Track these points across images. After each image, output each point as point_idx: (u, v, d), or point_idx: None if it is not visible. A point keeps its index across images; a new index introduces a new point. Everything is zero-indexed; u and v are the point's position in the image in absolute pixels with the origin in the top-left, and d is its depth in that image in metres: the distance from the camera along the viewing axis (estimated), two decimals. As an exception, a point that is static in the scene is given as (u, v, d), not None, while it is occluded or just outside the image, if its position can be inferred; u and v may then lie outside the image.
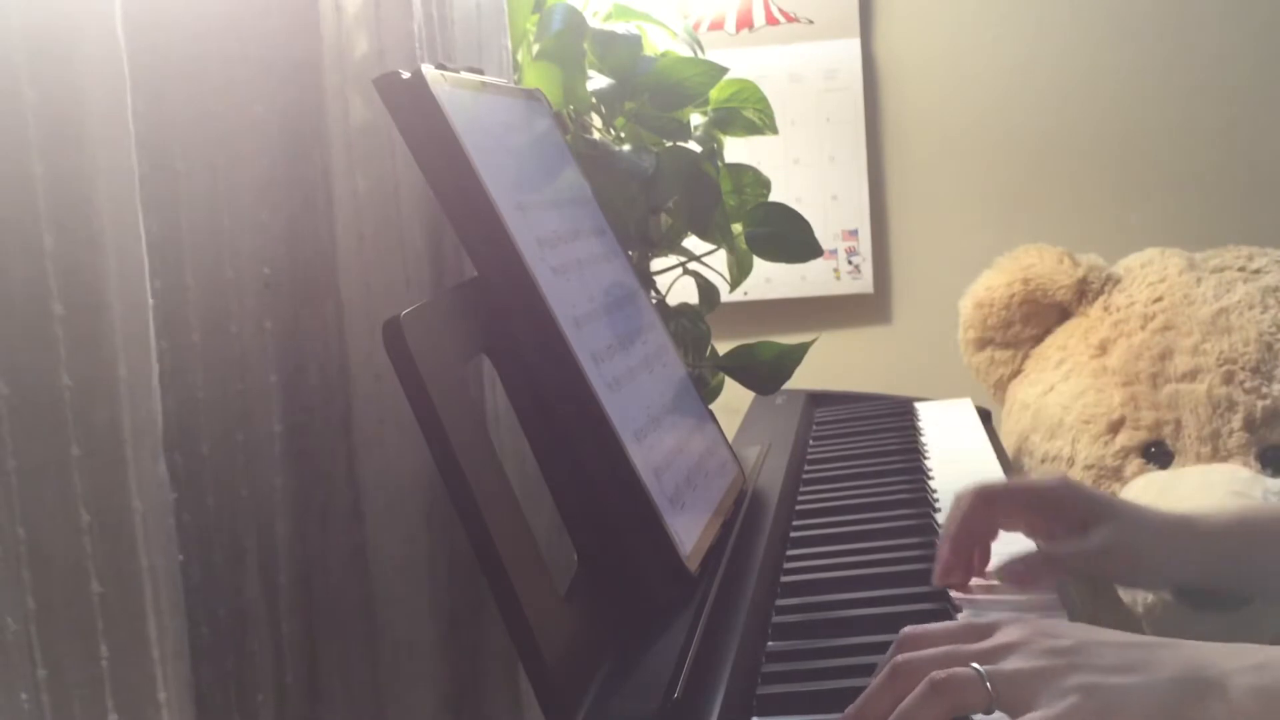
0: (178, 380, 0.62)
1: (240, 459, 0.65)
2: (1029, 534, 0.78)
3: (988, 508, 0.75)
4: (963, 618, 0.64)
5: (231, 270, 0.65)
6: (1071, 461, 1.35)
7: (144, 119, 0.60)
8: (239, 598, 0.66)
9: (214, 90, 0.65)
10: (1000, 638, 0.57)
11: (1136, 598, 1.23)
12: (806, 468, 1.08)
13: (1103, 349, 1.39)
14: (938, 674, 0.54)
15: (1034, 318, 1.47)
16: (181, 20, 0.64)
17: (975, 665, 0.55)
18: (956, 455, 1.10)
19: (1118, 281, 1.44)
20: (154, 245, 0.60)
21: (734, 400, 1.17)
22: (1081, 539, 0.74)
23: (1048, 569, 0.75)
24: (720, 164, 1.12)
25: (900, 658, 0.57)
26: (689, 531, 0.74)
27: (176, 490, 0.62)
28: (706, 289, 1.15)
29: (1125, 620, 1.27)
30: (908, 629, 0.60)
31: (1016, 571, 0.74)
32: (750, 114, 1.14)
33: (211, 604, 0.64)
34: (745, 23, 1.72)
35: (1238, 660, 0.54)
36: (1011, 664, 0.55)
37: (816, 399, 1.35)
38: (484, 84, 0.78)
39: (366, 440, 0.76)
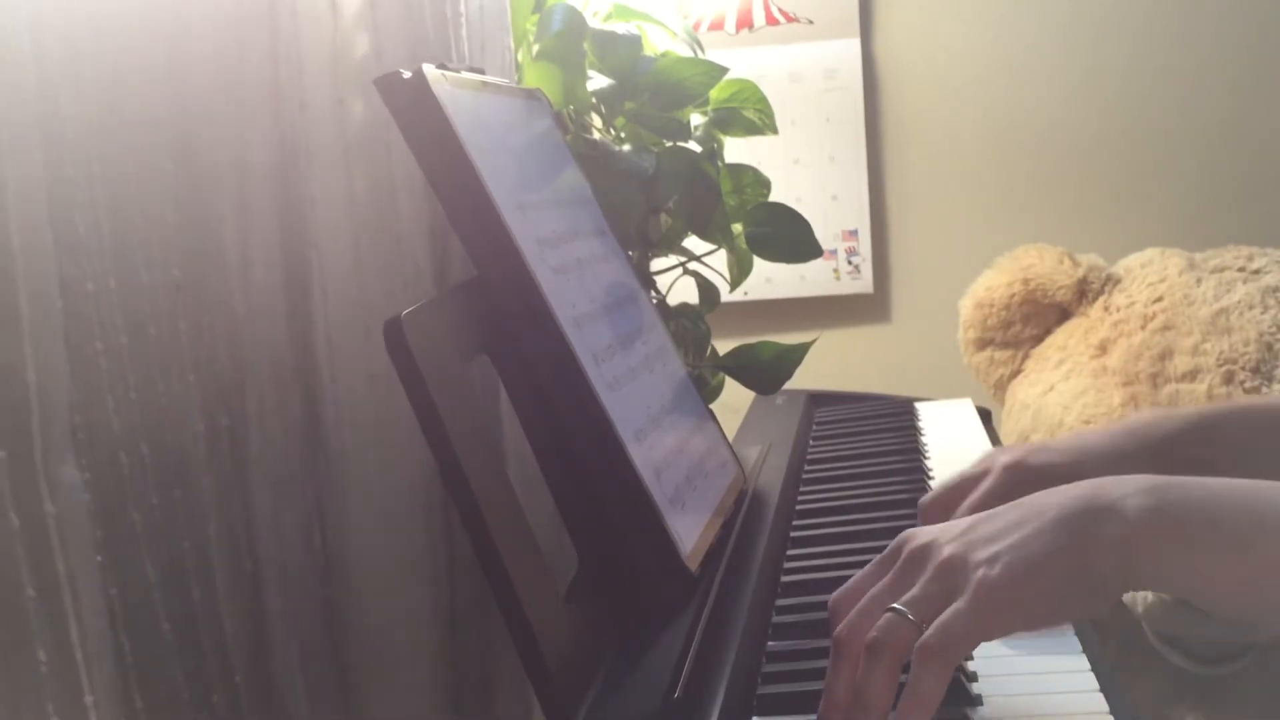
0: (116, 383, 0.62)
1: (173, 460, 0.65)
2: None
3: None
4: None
5: (146, 274, 0.64)
6: (1071, 461, 1.35)
7: (73, 123, 0.60)
8: (186, 598, 0.66)
9: (127, 92, 0.64)
10: (905, 561, 0.58)
11: (1136, 598, 1.23)
12: (807, 468, 1.08)
13: (1103, 349, 1.39)
14: (869, 637, 0.55)
15: (1034, 318, 1.48)
16: (118, 24, 0.64)
17: (893, 605, 0.55)
18: (957, 455, 1.10)
19: (1118, 281, 1.44)
20: (83, 250, 0.60)
21: (734, 400, 1.17)
22: None
23: None
24: (720, 164, 1.12)
25: (836, 633, 0.58)
26: (689, 531, 0.74)
27: (124, 489, 0.62)
28: (706, 289, 1.15)
29: (1125, 620, 1.27)
30: (831, 600, 0.61)
31: None
32: (750, 114, 1.14)
33: (170, 604, 0.64)
34: (745, 23, 1.72)
35: (1128, 485, 0.55)
36: (920, 584, 0.56)
37: (817, 399, 1.35)
38: (485, 84, 0.78)
39: (353, 442, 0.76)
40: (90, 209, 0.61)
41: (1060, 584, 0.54)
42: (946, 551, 0.56)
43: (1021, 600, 0.54)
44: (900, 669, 0.54)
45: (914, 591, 0.56)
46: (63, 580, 0.54)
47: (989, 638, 0.54)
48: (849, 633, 0.57)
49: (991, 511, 0.58)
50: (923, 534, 0.59)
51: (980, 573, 0.54)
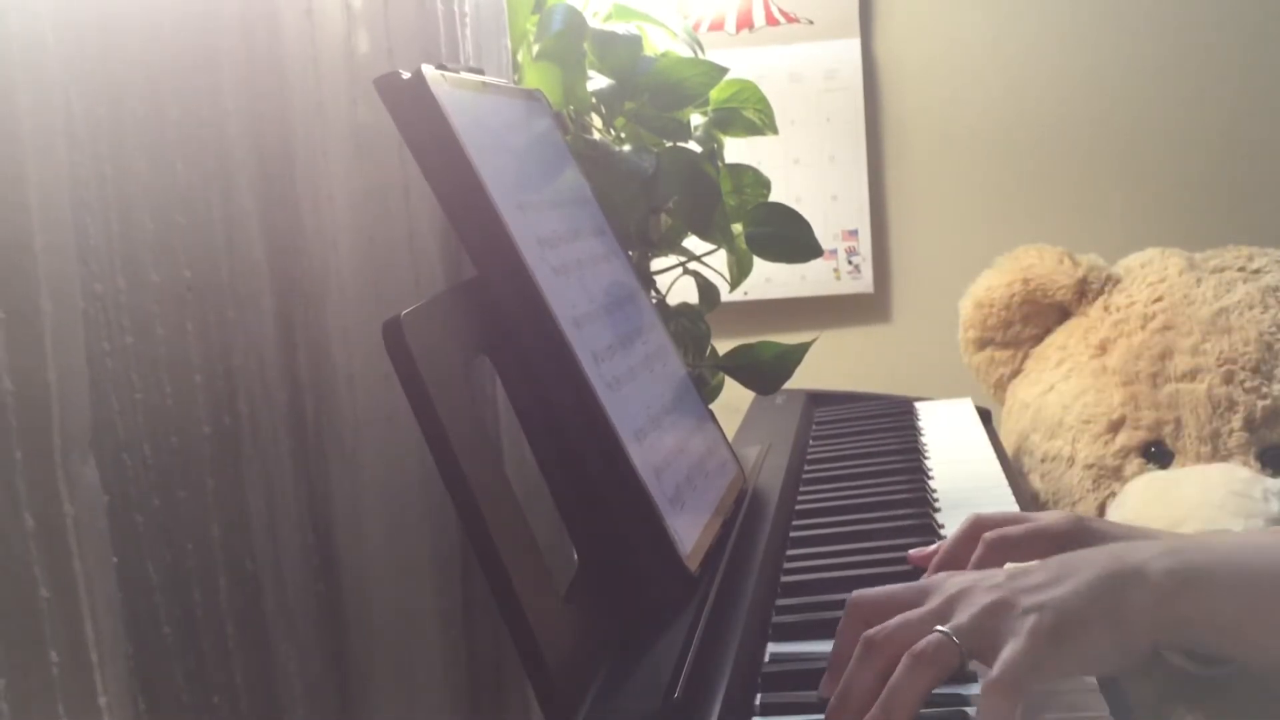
0: (121, 383, 0.62)
1: (177, 461, 0.65)
2: None
3: (996, 555, 0.74)
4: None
5: (156, 274, 0.64)
6: (1071, 461, 1.35)
7: (83, 122, 0.60)
8: (188, 600, 0.66)
9: (137, 92, 0.64)
10: (942, 595, 0.61)
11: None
12: (806, 467, 1.08)
13: (1103, 349, 1.39)
14: (916, 646, 0.57)
15: (1034, 318, 1.47)
16: (126, 23, 0.64)
17: (940, 628, 0.58)
18: (957, 455, 1.10)
19: (1118, 281, 1.44)
20: (92, 250, 0.60)
21: (734, 400, 1.17)
22: None
23: None
24: (720, 164, 1.12)
25: (867, 634, 0.60)
26: (689, 531, 0.74)
27: (128, 492, 0.62)
28: (706, 289, 1.15)
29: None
30: (856, 594, 0.64)
31: None
32: (750, 114, 1.14)
33: (170, 605, 0.64)
34: (745, 23, 1.72)
35: (1152, 549, 0.60)
36: (964, 614, 0.59)
37: (816, 399, 1.35)
38: (484, 84, 0.78)
39: (369, 441, 0.76)
40: (101, 209, 0.61)
41: (1101, 638, 0.57)
42: (993, 595, 0.59)
43: (1071, 647, 0.57)
44: (936, 686, 0.57)
45: (963, 621, 0.58)
46: (79, 581, 0.54)
47: (1045, 680, 0.57)
48: (885, 638, 0.59)
49: (1025, 566, 0.62)
50: (962, 576, 0.63)
51: (1033, 619, 0.57)
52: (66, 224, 0.55)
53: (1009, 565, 0.63)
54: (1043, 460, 1.38)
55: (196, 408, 0.67)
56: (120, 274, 0.62)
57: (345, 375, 0.75)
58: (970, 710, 0.60)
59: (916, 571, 0.78)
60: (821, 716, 0.59)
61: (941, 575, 0.64)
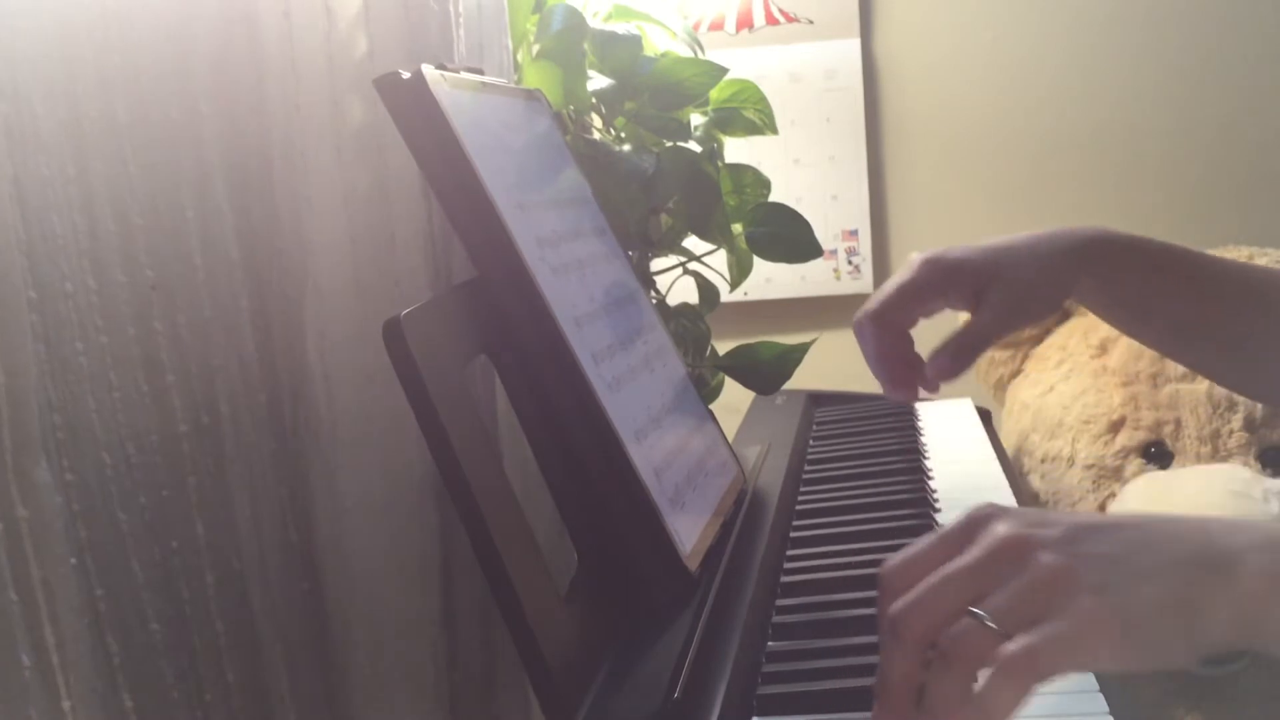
0: (97, 383, 0.62)
1: (158, 460, 0.65)
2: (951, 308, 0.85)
3: (881, 326, 0.83)
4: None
5: (123, 274, 0.64)
6: (1072, 461, 1.35)
7: (45, 122, 0.60)
8: (176, 598, 0.66)
9: (100, 94, 0.64)
10: (982, 550, 0.51)
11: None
12: (807, 468, 1.08)
13: (1103, 349, 1.39)
14: (943, 641, 0.49)
15: (1034, 318, 1.47)
16: (117, 25, 0.64)
17: (973, 610, 0.49)
18: (957, 455, 1.10)
19: (1118, 281, 1.44)
20: (60, 250, 0.60)
21: (734, 400, 1.17)
22: (978, 309, 0.82)
23: (967, 348, 0.83)
24: (720, 164, 1.12)
25: (893, 610, 0.51)
26: (689, 531, 0.74)
27: (109, 490, 0.62)
28: (706, 289, 1.15)
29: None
30: (884, 570, 0.53)
31: (942, 366, 0.83)
32: (750, 114, 1.14)
33: (158, 603, 0.64)
34: (745, 23, 1.72)
35: (1244, 536, 0.50)
36: (1009, 588, 0.49)
37: (817, 399, 1.35)
38: (484, 84, 0.78)
39: (349, 443, 0.76)
40: (66, 209, 0.61)
41: (1166, 634, 0.49)
42: (1047, 560, 0.50)
43: (1124, 642, 0.49)
44: (975, 677, 0.48)
45: (1003, 600, 0.49)
46: (37, 585, 0.54)
47: (1078, 669, 0.49)
48: (908, 613, 0.50)
49: (1097, 522, 0.52)
50: (1011, 520, 0.52)
51: (1087, 601, 0.48)
52: (6, 222, 0.55)
53: (1065, 515, 0.52)
54: (1043, 461, 1.38)
55: (174, 407, 0.66)
56: (90, 274, 0.62)
57: (322, 375, 0.75)
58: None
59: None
60: (822, 716, 0.59)
61: (983, 513, 0.53)
